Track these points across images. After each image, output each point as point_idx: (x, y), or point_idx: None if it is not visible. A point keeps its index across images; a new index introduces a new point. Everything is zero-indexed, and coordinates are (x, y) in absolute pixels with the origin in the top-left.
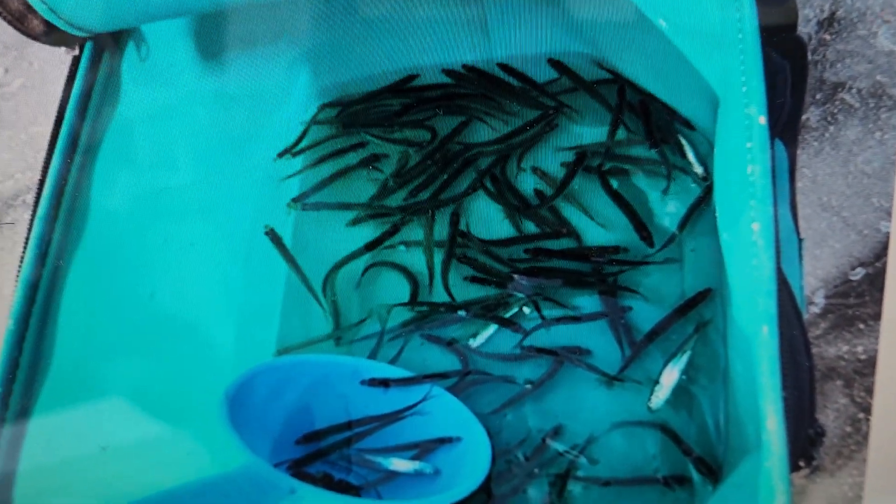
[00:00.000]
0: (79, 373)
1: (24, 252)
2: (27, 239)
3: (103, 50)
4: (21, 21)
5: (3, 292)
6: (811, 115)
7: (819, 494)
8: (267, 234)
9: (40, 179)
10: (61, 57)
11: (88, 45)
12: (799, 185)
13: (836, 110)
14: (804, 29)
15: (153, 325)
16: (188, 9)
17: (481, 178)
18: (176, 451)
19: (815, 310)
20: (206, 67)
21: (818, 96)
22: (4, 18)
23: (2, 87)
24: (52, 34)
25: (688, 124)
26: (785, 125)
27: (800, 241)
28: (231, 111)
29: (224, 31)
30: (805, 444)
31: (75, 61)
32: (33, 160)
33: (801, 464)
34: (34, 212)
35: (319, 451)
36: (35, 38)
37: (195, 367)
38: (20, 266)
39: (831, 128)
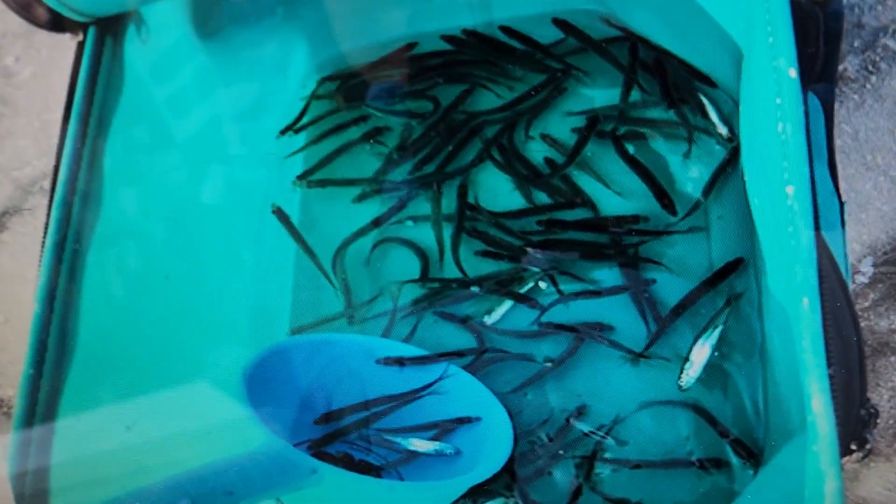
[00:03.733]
0: (103, 352)
1: (44, 237)
2: (46, 224)
3: (106, 34)
4: (26, 10)
5: (27, 276)
6: (849, 65)
7: (875, 480)
8: (274, 212)
9: (55, 165)
10: (67, 44)
11: (91, 31)
12: (838, 142)
13: (877, 58)
14: None
15: (169, 306)
16: None
17: (488, 148)
18: (198, 430)
19: (863, 279)
20: (205, 45)
21: (856, 43)
22: (11, 7)
23: (14, 77)
24: (56, 21)
25: (708, 81)
26: (819, 76)
27: (841, 204)
28: (232, 87)
29: (220, 8)
30: (856, 426)
31: (80, 47)
32: (47, 147)
33: (853, 447)
34: (51, 197)
35: (338, 431)
36: (41, 25)
37: (212, 346)
38: (42, 251)
39: (873, 77)
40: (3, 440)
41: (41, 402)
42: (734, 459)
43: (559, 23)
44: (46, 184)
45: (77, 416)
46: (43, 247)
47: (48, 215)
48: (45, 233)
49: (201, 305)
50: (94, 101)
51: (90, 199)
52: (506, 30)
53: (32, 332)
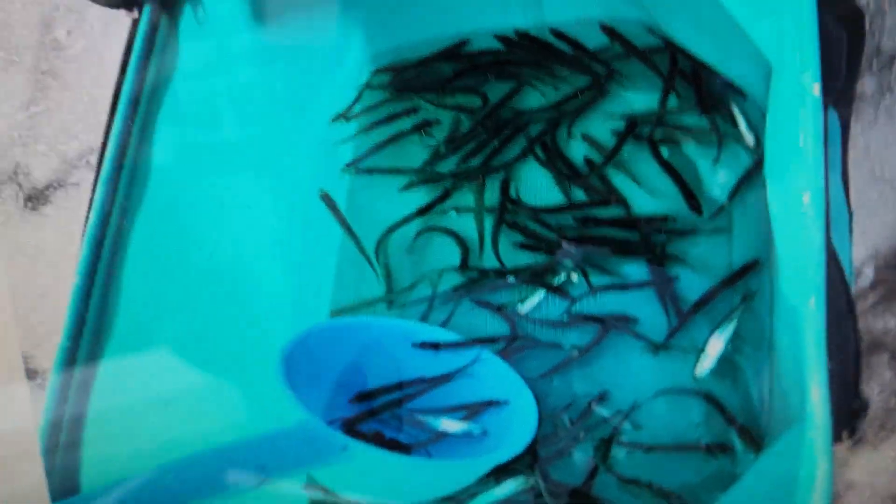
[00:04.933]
0: (143, 327)
1: (88, 212)
2: (91, 199)
3: (161, 13)
4: None
5: (69, 251)
6: (866, 85)
7: (861, 466)
8: (322, 197)
9: (103, 141)
10: (121, 19)
11: (147, 8)
12: (851, 155)
13: (892, 80)
14: None
15: (212, 284)
16: None
17: (532, 145)
18: (233, 406)
19: (864, 282)
20: (262, 28)
21: (874, 66)
22: None
23: (64, 50)
24: None
25: (740, 92)
26: (839, 94)
27: (850, 213)
28: (286, 72)
29: None
30: (848, 416)
31: (134, 24)
32: (95, 121)
33: (844, 435)
34: (97, 172)
35: (371, 410)
36: (96, 0)
37: (253, 325)
38: (85, 225)
39: (887, 97)
40: (37, 412)
41: (76, 376)
42: (738, 445)
43: (606, 29)
44: (93, 159)
45: (113, 391)
46: (86, 222)
47: (93, 190)
48: (90, 208)
49: (244, 284)
50: (145, 79)
51: (137, 177)
52: (556, 33)
53: (71, 305)
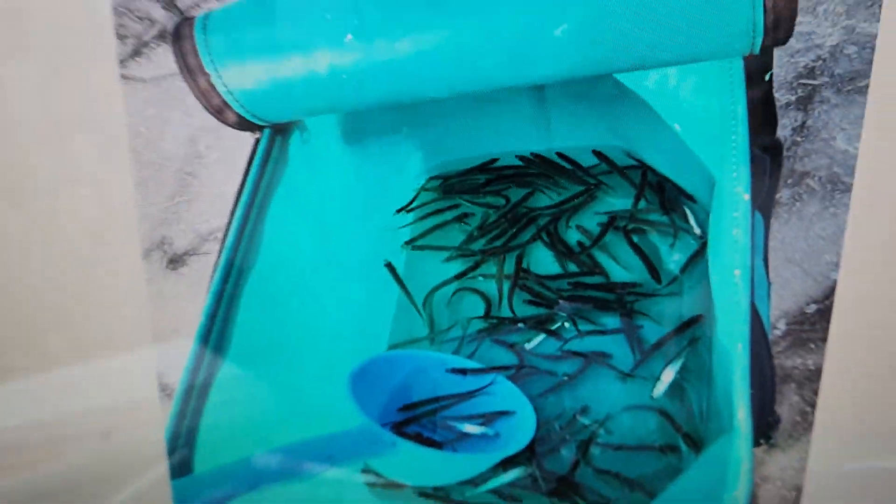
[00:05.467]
0: (250, 354)
1: (213, 272)
2: (215, 263)
3: (277, 135)
4: (220, 113)
5: (198, 299)
6: (783, 195)
7: (774, 464)
8: (386, 266)
9: (227, 223)
10: (247, 139)
11: (266, 132)
12: (771, 244)
13: (802, 192)
14: (782, 132)
15: (304, 328)
16: (336, 108)
17: (539, 233)
18: (315, 414)
19: (778, 333)
20: (348, 146)
21: (789, 181)
22: (208, 111)
23: (203, 158)
24: (241, 123)
25: (691, 198)
26: (763, 201)
27: (769, 284)
28: (365, 177)
29: (362, 123)
30: (765, 428)
31: (256, 142)
32: (222, 210)
33: (762, 442)
34: (222, 244)
35: (414, 417)
36: (229, 125)
37: (333, 357)
38: (210, 282)
39: (798, 204)
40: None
41: (196, 387)
42: (684, 447)
43: (596, 153)
44: (219, 235)
45: (227, 399)
46: (211, 279)
47: (218, 256)
48: (214, 269)
49: (328, 328)
50: (262, 181)
51: (251, 249)
52: (560, 154)
53: (197, 336)
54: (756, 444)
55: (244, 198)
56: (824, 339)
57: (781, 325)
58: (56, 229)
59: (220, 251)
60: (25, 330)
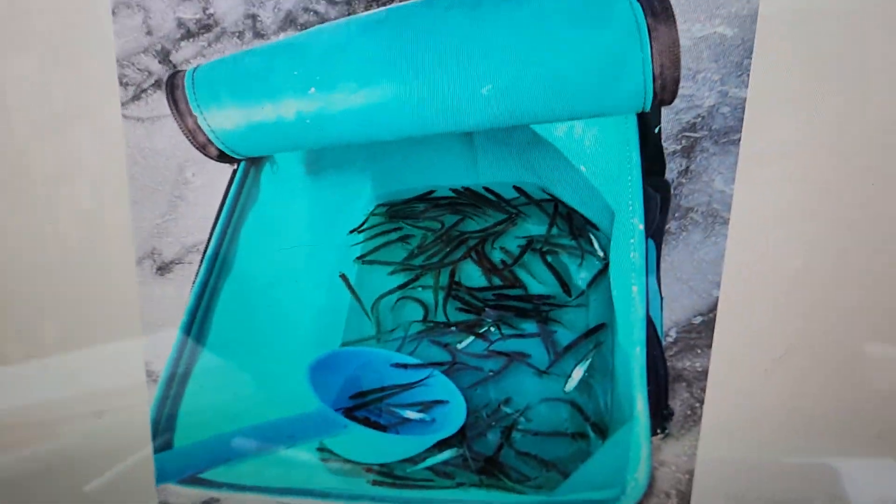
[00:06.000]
0: (223, 349)
1: (195, 277)
2: (197, 271)
3: (251, 166)
4: (204, 148)
5: (182, 299)
6: (672, 225)
7: (669, 451)
8: (341, 277)
9: (208, 237)
10: (226, 169)
11: (242, 164)
12: (662, 265)
13: (687, 223)
14: (669, 175)
15: (270, 325)
16: (300, 146)
17: (469, 252)
18: (279, 399)
19: (670, 339)
20: (310, 176)
21: (677, 214)
22: (194, 146)
23: (190, 183)
24: (221, 156)
25: (595, 227)
26: (655, 230)
27: (661, 298)
28: (324, 202)
29: (322, 159)
30: (661, 420)
31: (234, 172)
32: (205, 226)
33: (658, 431)
34: (203, 255)
35: (364, 404)
36: (212, 158)
37: (293, 351)
38: (192, 285)
39: (684, 233)
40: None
41: (178, 376)
42: (592, 434)
43: (516, 188)
44: (201, 247)
45: (204, 385)
46: (193, 283)
47: (200, 265)
48: (196, 274)
49: (289, 327)
50: (238, 203)
51: (227, 260)
52: (486, 189)
53: (180, 329)
54: (653, 433)
55: (223, 217)
56: (709, 346)
57: (673, 333)
58: (54, 233)
59: (202, 261)
60: (26, 320)
